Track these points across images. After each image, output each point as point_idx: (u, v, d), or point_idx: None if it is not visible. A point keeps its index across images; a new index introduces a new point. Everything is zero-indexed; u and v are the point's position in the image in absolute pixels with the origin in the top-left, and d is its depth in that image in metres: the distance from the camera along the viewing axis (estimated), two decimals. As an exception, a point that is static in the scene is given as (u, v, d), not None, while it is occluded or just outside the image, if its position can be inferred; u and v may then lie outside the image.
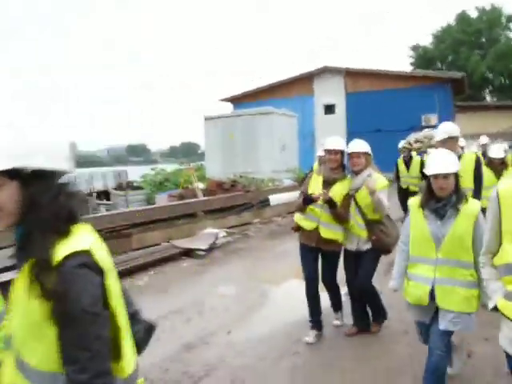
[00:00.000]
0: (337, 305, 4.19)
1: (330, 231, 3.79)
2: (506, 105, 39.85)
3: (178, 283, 5.88)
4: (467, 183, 3.95)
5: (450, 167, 2.57)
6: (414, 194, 6.94)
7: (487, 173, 5.49)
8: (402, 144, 8.98)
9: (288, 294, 5.26)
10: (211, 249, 7.51)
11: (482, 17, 47.51)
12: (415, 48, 50.96)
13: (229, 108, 27.88)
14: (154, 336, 1.69)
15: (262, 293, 5.39)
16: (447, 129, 4.18)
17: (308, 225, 3.85)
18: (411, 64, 50.76)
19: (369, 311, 4.01)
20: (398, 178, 8.41)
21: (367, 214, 3.76)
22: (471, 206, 2.59)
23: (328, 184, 3.79)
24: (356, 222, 3.80)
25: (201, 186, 13.08)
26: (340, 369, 3.40)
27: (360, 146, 3.82)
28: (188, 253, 7.30)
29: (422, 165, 7.06)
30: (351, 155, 3.78)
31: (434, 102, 23.38)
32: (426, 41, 51.00)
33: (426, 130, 10.28)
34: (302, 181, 4.97)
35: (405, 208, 6.95)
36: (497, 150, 5.87)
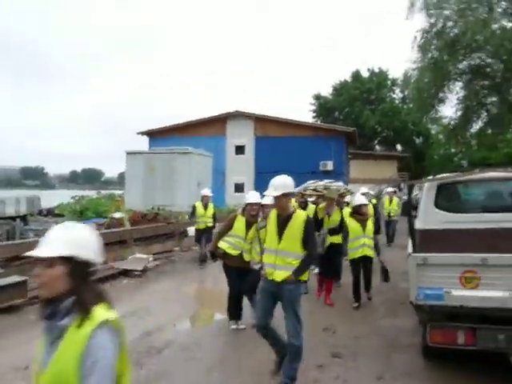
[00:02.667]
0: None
1: (249, 255, 5.60)
2: (392, 155, 46.16)
3: (125, 294, 7.33)
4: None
5: None
6: None
7: (353, 223, 6.49)
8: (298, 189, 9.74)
9: (210, 300, 7.01)
10: (145, 270, 8.97)
11: (372, 77, 54.53)
12: (317, 97, 56.49)
13: (145, 141, 29.12)
14: (127, 325, 3.22)
15: (192, 300, 7.09)
16: (278, 184, 3.94)
17: (234, 252, 5.56)
18: (313, 111, 56.26)
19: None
20: None
21: (263, 245, 5.41)
22: None
23: (249, 224, 5.53)
24: (255, 249, 5.51)
25: (121, 215, 14.29)
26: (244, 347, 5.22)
27: (270, 200, 5.41)
28: (125, 273, 8.69)
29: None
30: (264, 206, 5.47)
31: (330, 150, 26.89)
32: (327, 91, 56.68)
33: (327, 180, 11.15)
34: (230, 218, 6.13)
35: None
36: (362, 198, 6.76)
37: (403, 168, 43.65)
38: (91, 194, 26.16)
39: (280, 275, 3.87)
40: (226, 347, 5.17)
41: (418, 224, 5.38)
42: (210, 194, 10.47)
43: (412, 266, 3.73)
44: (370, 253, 6.59)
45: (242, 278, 5.63)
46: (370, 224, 6.63)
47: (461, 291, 3.60)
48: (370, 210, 8.48)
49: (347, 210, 7.48)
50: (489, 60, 22.55)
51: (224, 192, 26.78)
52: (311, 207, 7.95)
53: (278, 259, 3.91)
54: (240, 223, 5.60)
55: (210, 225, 10.14)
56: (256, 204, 5.55)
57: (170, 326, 5.82)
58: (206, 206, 10.16)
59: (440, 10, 21.98)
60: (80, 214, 16.33)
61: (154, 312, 6.46)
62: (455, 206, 5.59)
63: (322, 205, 7.18)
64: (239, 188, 27.29)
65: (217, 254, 5.74)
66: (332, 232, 6.91)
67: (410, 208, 5.54)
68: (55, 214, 16.56)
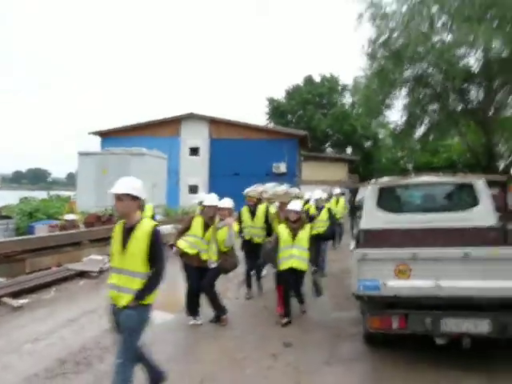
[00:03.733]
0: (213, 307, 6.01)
1: (206, 254, 5.88)
2: (342, 158, 47.75)
3: (82, 294, 7.44)
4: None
5: None
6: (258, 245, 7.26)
7: (283, 231, 5.92)
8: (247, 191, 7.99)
9: (169, 298, 7.25)
10: (101, 271, 9.04)
11: (324, 82, 56.15)
12: (270, 101, 57.46)
13: (97, 141, 28.56)
14: (79, 325, 3.42)
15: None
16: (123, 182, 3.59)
17: (192, 251, 5.85)
18: (267, 114, 57.20)
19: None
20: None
21: (220, 245, 5.92)
22: None
23: (207, 226, 5.88)
24: (212, 249, 5.86)
25: (73, 217, 14.12)
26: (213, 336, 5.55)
27: (227, 203, 6.09)
28: (81, 274, 8.73)
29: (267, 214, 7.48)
30: (221, 209, 5.98)
31: (283, 153, 27.57)
32: (280, 95, 57.75)
33: (276, 185, 10.84)
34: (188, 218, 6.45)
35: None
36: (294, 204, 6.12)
37: (353, 170, 45.34)
38: (38, 194, 25.36)
39: (123, 299, 3.39)
40: (185, 341, 5.46)
41: (362, 224, 5.93)
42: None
43: (354, 261, 4.20)
44: (301, 265, 5.89)
45: (200, 275, 5.91)
46: (303, 233, 5.93)
47: (395, 282, 4.12)
48: (324, 215, 8.52)
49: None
50: (430, 70, 24.02)
51: (178, 193, 26.80)
52: (261, 208, 7.58)
53: (122, 280, 3.40)
54: (198, 223, 5.91)
55: None
56: (214, 206, 5.90)
57: (129, 323, 6.02)
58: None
59: (386, 21, 23.19)
60: (30, 215, 15.90)
61: (113, 311, 6.63)
62: (394, 207, 6.19)
63: (273, 211, 7.43)
64: (193, 190, 27.38)
65: (175, 252, 6.05)
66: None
67: (354, 209, 6.07)
68: (2, 216, 16.02)
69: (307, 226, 6.06)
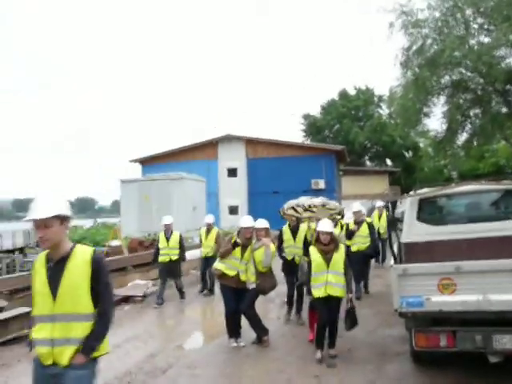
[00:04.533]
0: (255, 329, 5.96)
1: (245, 275, 5.89)
2: (382, 170, 46.87)
3: (127, 319, 7.57)
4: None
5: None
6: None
7: (315, 254, 5.22)
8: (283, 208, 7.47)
9: (211, 321, 7.26)
10: (145, 296, 9.20)
11: (359, 95, 55.72)
12: (306, 117, 57.55)
13: (138, 168, 29.50)
14: (124, 351, 3.36)
15: (193, 322, 7.34)
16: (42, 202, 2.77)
17: (231, 272, 5.86)
18: (303, 131, 57.22)
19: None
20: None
21: (257, 266, 5.90)
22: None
23: (244, 246, 5.90)
24: (250, 269, 5.88)
25: (117, 243, 14.54)
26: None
27: (262, 223, 6.04)
28: (127, 299, 8.92)
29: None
30: (257, 229, 5.98)
31: (321, 169, 27.38)
32: (315, 111, 57.75)
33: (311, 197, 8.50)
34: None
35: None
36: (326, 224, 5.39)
37: (395, 182, 44.29)
38: (86, 223, 26.40)
39: (64, 356, 2.51)
40: (228, 363, 5.40)
41: (403, 237, 5.74)
42: (171, 222, 9.15)
43: (394, 277, 4.05)
44: (337, 292, 5.18)
45: (239, 297, 5.88)
46: (338, 256, 5.25)
47: (439, 297, 3.92)
48: (364, 230, 8.17)
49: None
50: (469, 74, 23.33)
51: (219, 215, 27.09)
52: (303, 227, 7.25)
53: (57, 330, 2.52)
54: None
55: (175, 257, 8.93)
56: (250, 228, 5.92)
57: (172, 347, 6.06)
58: (168, 237, 8.96)
59: (418, 29, 22.84)
60: (78, 243, 16.50)
61: (157, 335, 6.72)
62: (436, 218, 5.96)
63: (312, 226, 6.97)
64: (233, 210, 27.61)
65: (215, 274, 6.12)
66: None
67: (394, 222, 5.89)
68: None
69: (341, 247, 5.40)
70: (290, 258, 7.13)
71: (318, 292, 5.19)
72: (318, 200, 7.25)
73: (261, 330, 5.95)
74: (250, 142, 28.60)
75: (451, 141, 25.97)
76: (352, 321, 5.27)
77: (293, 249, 7.14)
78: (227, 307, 5.95)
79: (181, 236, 9.19)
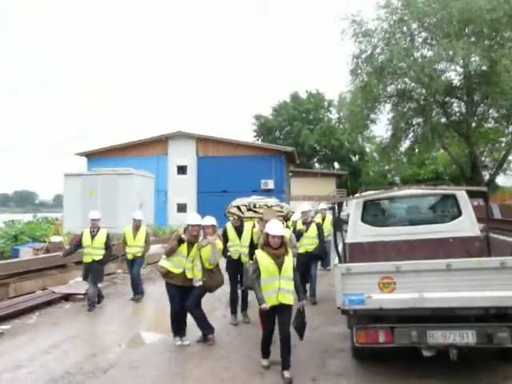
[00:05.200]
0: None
1: (191, 273, 5.84)
2: (330, 172, 48.10)
3: (68, 318, 7.31)
4: None
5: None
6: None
7: (265, 259, 4.70)
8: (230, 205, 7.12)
9: (155, 319, 7.14)
10: (87, 294, 8.87)
11: (310, 98, 56.84)
12: (257, 117, 57.95)
13: (83, 162, 28.44)
14: (62, 351, 3.23)
15: (136, 320, 7.18)
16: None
17: (177, 270, 5.80)
18: (254, 131, 57.59)
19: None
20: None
21: (204, 263, 5.82)
22: None
23: (190, 244, 5.83)
24: (196, 266, 5.83)
25: (59, 239, 13.94)
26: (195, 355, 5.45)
27: (209, 221, 5.93)
28: (67, 297, 8.57)
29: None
30: (204, 227, 5.88)
31: (271, 169, 27.68)
32: (267, 112, 58.20)
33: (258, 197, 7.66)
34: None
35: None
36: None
37: (342, 185, 45.58)
38: (25, 217, 25.02)
39: None
40: (172, 362, 5.33)
41: (347, 238, 5.94)
42: (99, 217, 8.36)
43: (337, 276, 4.19)
44: (289, 300, 4.74)
45: (185, 295, 5.82)
46: (288, 261, 4.77)
47: (379, 295, 4.10)
48: (313, 231, 7.93)
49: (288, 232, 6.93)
50: (413, 85, 24.50)
51: (166, 212, 26.65)
52: (248, 226, 7.09)
53: None
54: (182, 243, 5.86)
55: (99, 258, 8.02)
56: (197, 225, 5.88)
57: (114, 346, 5.89)
58: (94, 234, 8.09)
59: (368, 38, 23.69)
60: (15, 238, 15.64)
61: (98, 334, 6.52)
62: (379, 220, 6.22)
63: (257, 228, 6.72)
64: (182, 208, 27.28)
65: (160, 273, 5.96)
66: None
67: (339, 225, 6.08)
68: (-14, 240, 15.70)
69: (290, 251, 4.95)
70: (235, 256, 6.97)
71: (268, 300, 4.66)
72: (272, 201, 6.97)
73: (206, 329, 5.93)
74: (201, 140, 28.41)
75: (395, 147, 27.16)
76: (300, 326, 4.84)
77: (238, 248, 6.98)
78: (173, 306, 5.88)
79: (108, 234, 8.22)
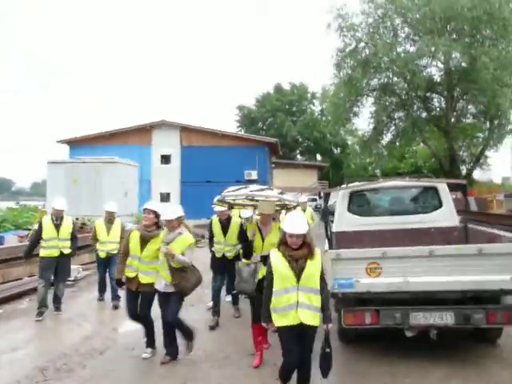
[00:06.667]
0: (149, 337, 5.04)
1: (147, 276, 4.82)
2: (312, 164, 48.57)
3: (59, 304, 7.39)
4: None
5: None
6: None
7: (279, 264, 3.56)
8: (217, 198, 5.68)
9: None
10: (75, 280, 9.00)
11: (293, 90, 57.08)
12: (240, 108, 57.95)
13: (65, 150, 28.09)
14: (57, 333, 3.32)
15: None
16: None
17: (130, 273, 4.87)
18: (237, 121, 57.63)
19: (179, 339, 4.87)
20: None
21: (172, 263, 4.64)
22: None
23: (144, 240, 4.80)
24: (164, 267, 4.69)
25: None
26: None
27: (174, 213, 4.72)
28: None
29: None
30: (168, 221, 4.70)
31: (254, 160, 27.85)
32: (250, 102, 58.23)
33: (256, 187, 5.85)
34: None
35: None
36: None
37: (323, 177, 46.16)
38: (3, 205, 24.65)
39: None
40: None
41: (334, 227, 6.21)
42: (63, 206, 7.06)
43: (328, 261, 4.43)
44: (312, 320, 3.55)
45: (140, 301, 4.97)
46: (312, 267, 3.58)
47: (367, 279, 4.38)
48: None
49: None
50: (395, 79, 24.97)
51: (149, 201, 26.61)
52: (235, 222, 6.38)
53: None
54: (134, 240, 4.91)
55: (67, 251, 6.96)
56: (148, 210, 4.87)
57: (108, 330, 6.07)
58: (57, 223, 6.92)
59: (352, 32, 23.99)
60: (-4, 225, 15.57)
61: (91, 318, 6.66)
62: (364, 210, 6.50)
63: (252, 223, 5.21)
64: (165, 198, 27.29)
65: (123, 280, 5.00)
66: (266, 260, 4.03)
67: (327, 214, 6.33)
68: (-32, 227, 15.58)
69: (317, 253, 3.67)
70: (218, 255, 6.40)
71: (283, 319, 3.56)
72: (273, 193, 4.99)
73: (188, 336, 4.93)
74: (185, 130, 28.37)
75: (377, 140, 27.67)
76: (328, 364, 3.70)
77: (223, 246, 6.36)
78: (128, 312, 5.00)
79: (74, 223, 7.31)
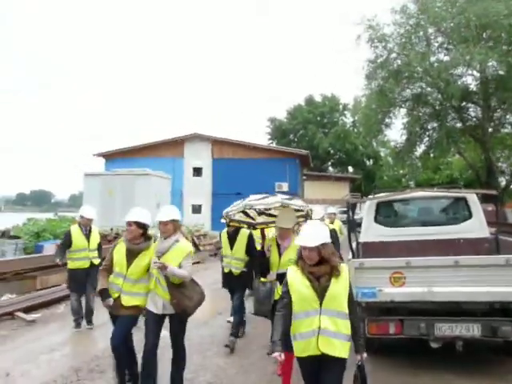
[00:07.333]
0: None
1: (132, 298, 4.00)
2: (344, 176, 48.22)
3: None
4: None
5: None
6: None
7: (297, 283, 2.98)
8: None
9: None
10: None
11: (324, 102, 57.03)
12: (272, 120, 58.34)
13: (101, 162, 29.09)
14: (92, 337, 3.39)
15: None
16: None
17: (113, 293, 4.02)
18: (268, 133, 57.99)
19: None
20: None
21: (170, 277, 3.85)
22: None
23: (131, 254, 4.01)
24: (160, 284, 3.88)
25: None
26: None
27: (167, 214, 4.05)
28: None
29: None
30: (160, 223, 3.99)
31: (285, 172, 27.98)
32: (281, 115, 58.59)
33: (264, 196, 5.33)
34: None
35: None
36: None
37: (355, 189, 45.67)
38: (43, 216, 25.73)
39: None
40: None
41: (360, 238, 6.22)
42: (93, 217, 6.79)
43: (351, 270, 4.47)
44: (336, 351, 2.93)
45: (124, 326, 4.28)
46: (338, 286, 2.99)
47: (390, 289, 4.38)
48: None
49: None
50: (428, 89, 24.59)
51: (182, 213, 27.10)
52: (243, 233, 5.78)
53: None
54: (119, 254, 4.12)
55: (97, 261, 6.64)
56: (131, 222, 4.06)
57: (141, 333, 6.24)
58: (87, 233, 6.65)
59: (384, 43, 23.87)
60: (37, 235, 16.25)
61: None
62: (391, 221, 6.48)
63: (270, 237, 5.02)
64: (197, 209, 27.74)
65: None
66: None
67: (352, 225, 6.36)
68: (11, 236, 16.39)
69: (344, 270, 3.06)
70: (226, 270, 5.91)
71: (302, 347, 2.99)
72: (275, 199, 4.73)
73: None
74: (217, 143, 28.85)
75: (410, 152, 27.23)
76: None
77: (229, 260, 5.83)
78: (111, 340, 4.19)
79: (100, 233, 7.08)
